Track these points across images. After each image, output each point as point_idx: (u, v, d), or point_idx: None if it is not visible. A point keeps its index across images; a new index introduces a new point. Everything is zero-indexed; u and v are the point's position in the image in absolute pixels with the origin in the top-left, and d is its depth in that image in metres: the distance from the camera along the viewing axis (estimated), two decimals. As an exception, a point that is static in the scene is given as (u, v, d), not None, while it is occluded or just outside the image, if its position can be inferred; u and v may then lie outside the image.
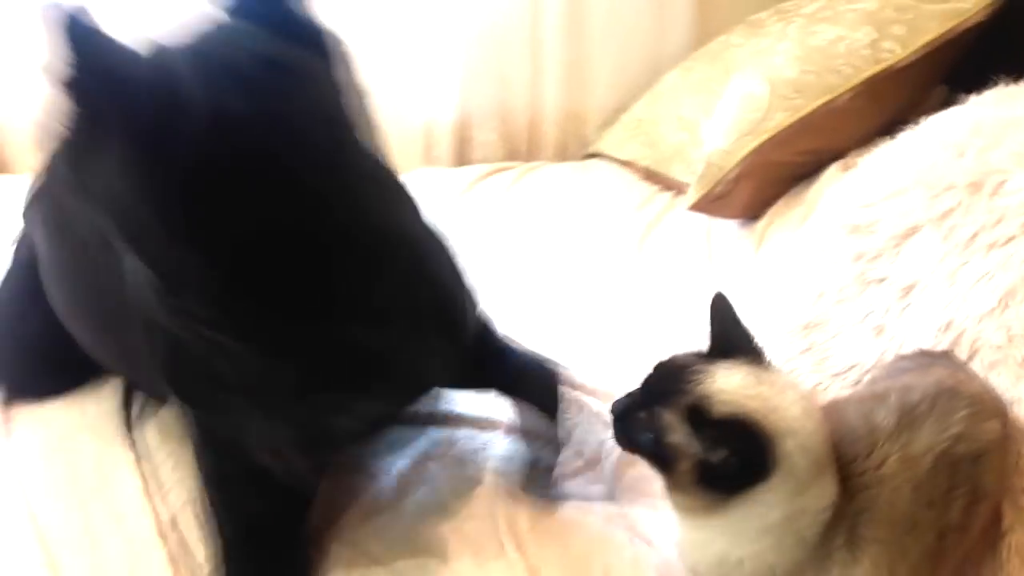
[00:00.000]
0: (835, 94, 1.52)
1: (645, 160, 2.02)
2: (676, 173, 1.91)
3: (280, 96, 0.72)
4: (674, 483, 0.72)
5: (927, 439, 0.72)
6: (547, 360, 1.18)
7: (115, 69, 0.68)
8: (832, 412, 0.78)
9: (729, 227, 1.69)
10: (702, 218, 1.74)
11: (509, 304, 1.54)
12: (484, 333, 1.15)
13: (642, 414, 0.72)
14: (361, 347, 0.79)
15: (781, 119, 1.54)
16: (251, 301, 0.72)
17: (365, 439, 1.10)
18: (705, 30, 2.12)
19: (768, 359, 0.77)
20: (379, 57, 2.17)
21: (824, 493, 0.71)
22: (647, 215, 1.84)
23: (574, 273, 1.67)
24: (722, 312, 0.77)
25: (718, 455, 0.67)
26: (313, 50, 0.80)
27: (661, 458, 0.71)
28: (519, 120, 2.23)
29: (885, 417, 0.74)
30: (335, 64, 0.81)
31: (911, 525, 0.71)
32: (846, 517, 0.71)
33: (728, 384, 0.70)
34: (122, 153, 0.68)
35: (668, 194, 1.92)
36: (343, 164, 0.77)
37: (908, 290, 1.07)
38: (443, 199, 1.95)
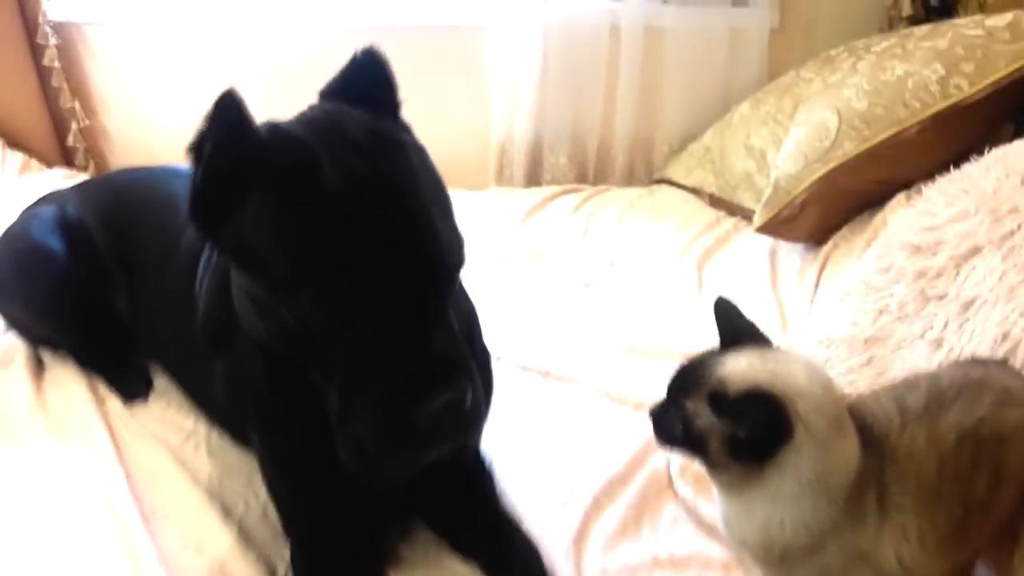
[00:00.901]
0: (903, 127, 1.57)
1: (711, 187, 2.09)
2: (742, 200, 1.97)
3: (388, 159, 0.85)
4: (712, 463, 0.80)
5: (952, 419, 0.78)
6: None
7: (254, 129, 0.83)
8: (868, 399, 0.86)
9: (794, 251, 1.74)
10: (766, 242, 1.80)
11: (568, 322, 1.63)
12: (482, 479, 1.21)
13: (671, 410, 0.81)
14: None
15: (849, 148, 1.60)
16: (362, 324, 0.82)
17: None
18: (777, 66, 2.20)
19: (773, 343, 0.84)
20: (459, 77, 2.30)
21: (847, 453, 0.77)
22: (711, 238, 1.91)
23: (634, 291, 1.74)
24: (727, 312, 0.86)
25: (742, 428, 0.75)
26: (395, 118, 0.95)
27: (694, 444, 0.79)
28: (590, 145, 2.33)
29: (915, 400, 0.80)
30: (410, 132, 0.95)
31: (938, 497, 0.77)
32: (877, 484, 0.77)
33: (738, 367, 0.78)
34: (267, 203, 0.81)
35: (733, 220, 1.98)
36: (441, 208, 0.88)
37: (967, 306, 1.11)
38: (512, 217, 2.05)
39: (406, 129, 0.94)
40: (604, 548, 1.15)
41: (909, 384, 0.85)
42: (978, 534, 0.81)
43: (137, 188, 1.48)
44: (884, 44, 1.77)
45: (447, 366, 0.84)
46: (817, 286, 1.58)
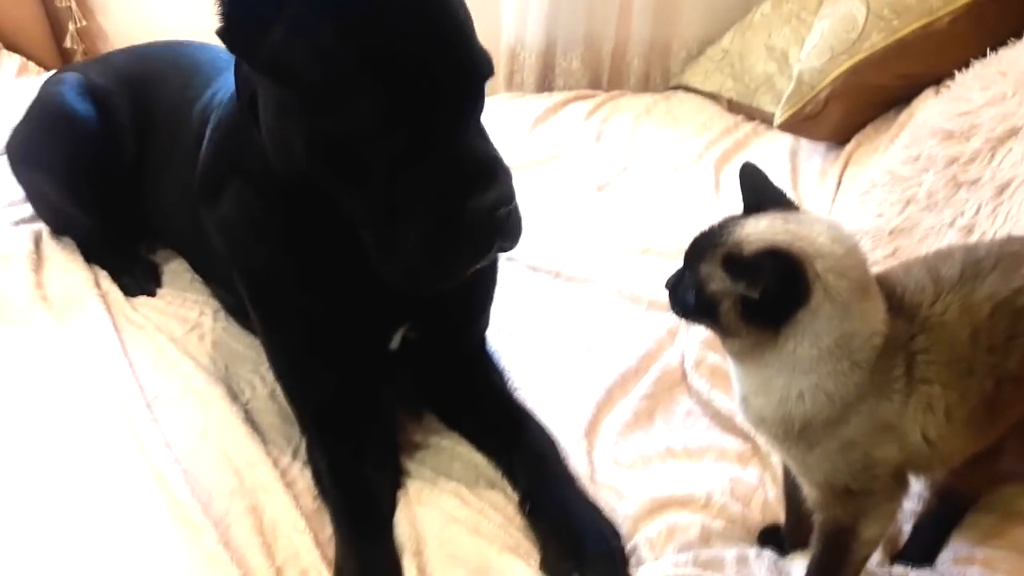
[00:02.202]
0: (935, 16, 1.49)
1: (730, 92, 2.01)
2: (762, 104, 1.90)
3: None
4: (725, 330, 0.76)
5: (988, 289, 0.74)
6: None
7: None
8: (898, 269, 0.81)
9: (816, 151, 1.68)
10: (787, 143, 1.74)
11: (580, 224, 1.58)
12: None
13: (686, 276, 0.77)
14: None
15: (877, 40, 1.52)
16: (405, 128, 0.80)
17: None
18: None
19: (801, 207, 0.80)
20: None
21: (871, 317, 0.73)
22: (729, 141, 1.84)
23: (649, 194, 1.69)
24: (752, 177, 0.81)
25: (756, 288, 0.71)
26: None
27: (706, 309, 0.75)
28: (604, 49, 2.23)
29: (949, 270, 0.76)
30: None
31: (969, 369, 0.73)
32: (906, 353, 0.73)
33: (757, 228, 0.73)
34: (304, 10, 0.79)
35: (752, 123, 1.90)
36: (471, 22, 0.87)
37: (1002, 189, 1.06)
38: (523, 122, 1.99)
39: None
40: (617, 438, 1.13)
41: (943, 255, 0.81)
42: (1007, 412, 0.77)
43: (161, 57, 1.44)
44: (917, -67, 1.67)
45: (493, 165, 0.85)
46: (839, 185, 1.53)
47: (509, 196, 0.84)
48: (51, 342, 1.25)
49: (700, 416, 1.17)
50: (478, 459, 1.10)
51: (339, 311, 1.02)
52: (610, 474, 1.08)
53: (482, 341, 1.22)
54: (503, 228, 0.85)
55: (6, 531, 0.99)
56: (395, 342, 1.07)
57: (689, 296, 0.75)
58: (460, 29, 0.84)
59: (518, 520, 1.01)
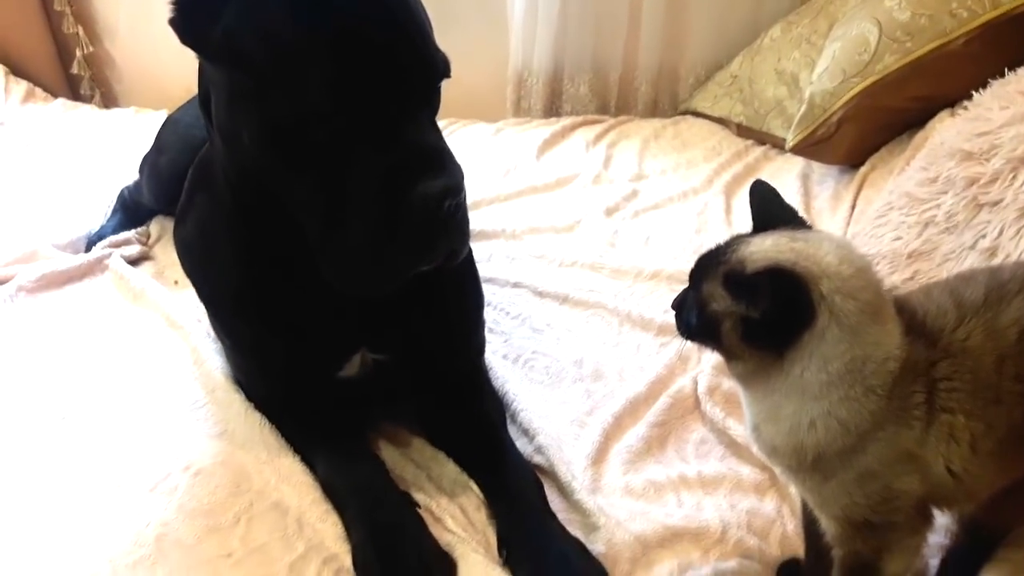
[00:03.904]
0: (949, 38, 1.47)
1: (739, 116, 1.99)
2: (772, 128, 1.87)
3: None
4: (728, 352, 0.73)
5: (1015, 313, 0.69)
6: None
7: None
8: (918, 292, 0.78)
9: (829, 174, 1.65)
10: (799, 167, 1.71)
11: (588, 249, 1.55)
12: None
13: (690, 296, 0.74)
14: None
15: (890, 62, 1.50)
16: (351, 113, 0.79)
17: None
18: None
19: (811, 226, 0.76)
20: (476, 5, 2.20)
21: (885, 341, 0.69)
22: (739, 166, 1.81)
23: (658, 218, 1.66)
24: (763, 195, 0.78)
25: (757, 307, 0.67)
26: None
27: (709, 330, 0.72)
28: (611, 75, 2.22)
29: (973, 293, 0.72)
30: None
31: (995, 397, 0.69)
32: (926, 380, 0.69)
33: (761, 246, 0.70)
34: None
35: (763, 148, 1.88)
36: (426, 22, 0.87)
37: (1026, 210, 1.02)
38: (530, 147, 1.97)
39: None
40: (626, 467, 1.09)
41: (965, 278, 0.76)
42: None
43: None
44: (929, -45, 1.65)
45: (441, 155, 0.83)
46: (853, 208, 1.50)
47: (457, 186, 0.81)
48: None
49: (715, 444, 1.13)
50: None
51: (292, 332, 1.01)
52: (619, 503, 1.03)
53: (474, 368, 1.19)
54: (449, 224, 0.82)
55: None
56: (351, 368, 1.05)
57: (692, 316, 0.72)
58: (414, 23, 0.83)
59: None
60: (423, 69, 0.83)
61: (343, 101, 0.78)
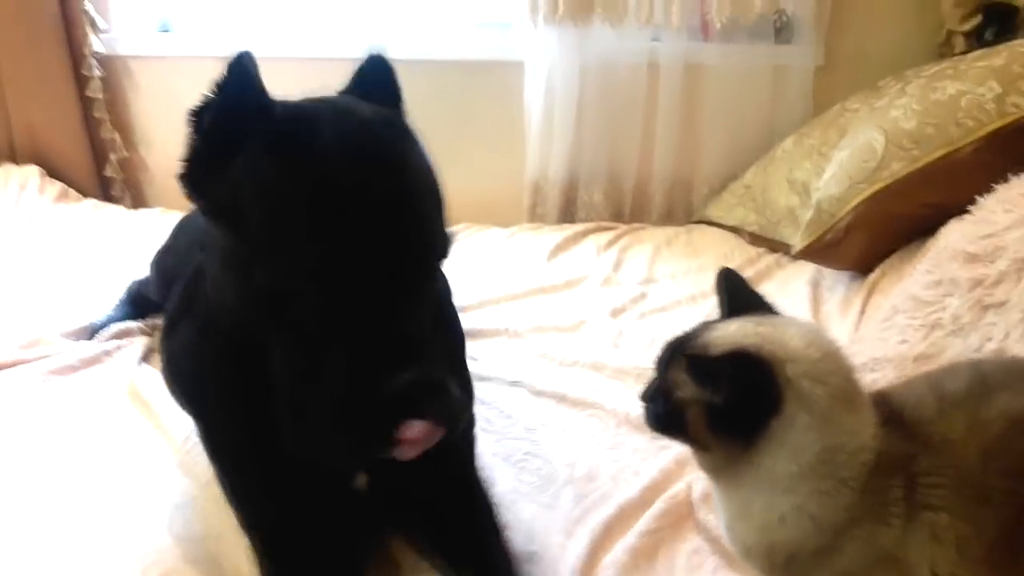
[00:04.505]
0: (956, 146, 1.46)
1: (752, 225, 1.98)
2: (785, 236, 1.86)
3: (391, 139, 0.84)
4: (696, 443, 0.69)
5: (1000, 405, 0.65)
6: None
7: (262, 89, 0.82)
8: (899, 386, 0.74)
9: (840, 281, 1.62)
10: (809, 273, 1.68)
11: (591, 349, 1.53)
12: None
13: (656, 385, 0.72)
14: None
15: (897, 169, 1.49)
16: (336, 294, 0.77)
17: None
18: (822, 106, 2.09)
19: (780, 312, 0.74)
20: (495, 112, 2.26)
21: (858, 430, 0.65)
22: (750, 272, 1.79)
23: (664, 321, 1.63)
24: (731, 282, 0.76)
25: (721, 393, 0.65)
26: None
27: (675, 419, 0.69)
28: (626, 184, 2.25)
29: (954, 385, 0.68)
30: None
31: (983, 496, 0.64)
32: (906, 475, 0.65)
33: (726, 331, 0.68)
34: (259, 156, 0.79)
35: (775, 256, 1.86)
36: (435, 197, 0.86)
37: (1032, 311, 0.98)
38: (542, 250, 1.98)
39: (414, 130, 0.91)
40: (616, 579, 1.02)
41: (948, 371, 0.74)
42: None
43: None
44: (935, 69, 1.67)
45: (420, 348, 0.79)
46: (862, 314, 1.45)
47: (429, 382, 0.77)
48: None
49: (708, 555, 1.05)
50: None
51: (278, 459, 0.94)
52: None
53: (466, 476, 1.14)
54: (427, 413, 0.77)
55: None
56: (360, 480, 1.00)
57: (659, 405, 0.69)
58: (419, 204, 0.81)
59: None
60: (416, 257, 0.81)
61: (322, 283, 0.76)
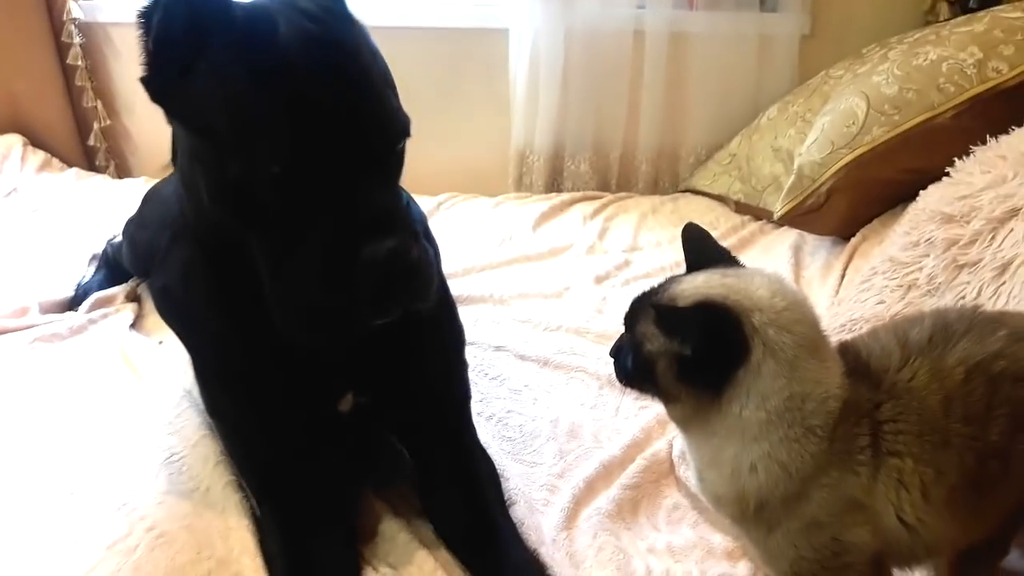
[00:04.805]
0: (937, 111, 1.47)
1: (737, 194, 1.99)
2: (769, 204, 1.86)
3: (340, 28, 0.87)
4: (666, 395, 0.71)
5: (961, 353, 0.67)
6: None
7: None
8: (864, 336, 0.75)
9: (821, 246, 1.63)
10: (791, 239, 1.70)
11: (575, 314, 1.54)
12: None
13: (625, 340, 0.73)
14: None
15: (879, 134, 1.50)
16: (307, 179, 0.80)
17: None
18: (808, 74, 2.09)
19: (743, 264, 0.75)
20: (480, 81, 2.26)
21: (824, 378, 0.66)
22: (734, 239, 1.81)
23: (644, 288, 1.63)
24: (695, 236, 0.78)
25: (689, 343, 0.66)
26: None
27: (645, 372, 0.70)
28: (612, 154, 2.25)
29: (918, 334, 0.70)
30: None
31: (943, 440, 0.65)
32: (870, 422, 0.66)
33: (693, 283, 0.70)
34: (221, 57, 0.81)
35: (760, 223, 1.87)
36: (388, 82, 0.89)
37: (1004, 269, 1.00)
38: (527, 220, 1.98)
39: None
40: (596, 532, 1.04)
41: (912, 320, 0.74)
42: (997, 494, 0.68)
43: None
44: (917, 35, 1.68)
45: (392, 217, 0.84)
46: (843, 278, 1.47)
47: (404, 248, 0.81)
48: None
49: (688, 510, 1.08)
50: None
51: (273, 373, 0.98)
52: (589, 572, 0.98)
53: (462, 423, 1.15)
54: (399, 283, 0.82)
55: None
56: (345, 404, 1.02)
57: (628, 360, 0.70)
58: (373, 86, 0.85)
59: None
60: (379, 133, 0.84)
61: (295, 167, 0.79)
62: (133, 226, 1.53)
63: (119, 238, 1.63)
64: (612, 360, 0.76)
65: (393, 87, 0.89)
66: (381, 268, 0.79)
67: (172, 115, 0.87)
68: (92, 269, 1.68)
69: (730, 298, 0.66)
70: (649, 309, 0.69)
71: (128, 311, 1.55)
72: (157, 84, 0.85)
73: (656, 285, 0.73)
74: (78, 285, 1.63)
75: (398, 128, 0.87)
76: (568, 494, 1.09)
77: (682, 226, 1.77)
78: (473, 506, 1.05)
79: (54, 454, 1.15)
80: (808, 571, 0.67)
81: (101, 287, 1.60)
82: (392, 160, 0.88)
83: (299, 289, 0.82)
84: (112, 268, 1.65)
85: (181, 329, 1.10)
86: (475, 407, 1.26)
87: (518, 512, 1.07)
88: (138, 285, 1.63)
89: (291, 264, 0.82)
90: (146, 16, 0.82)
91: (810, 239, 1.67)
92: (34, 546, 0.98)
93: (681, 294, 0.68)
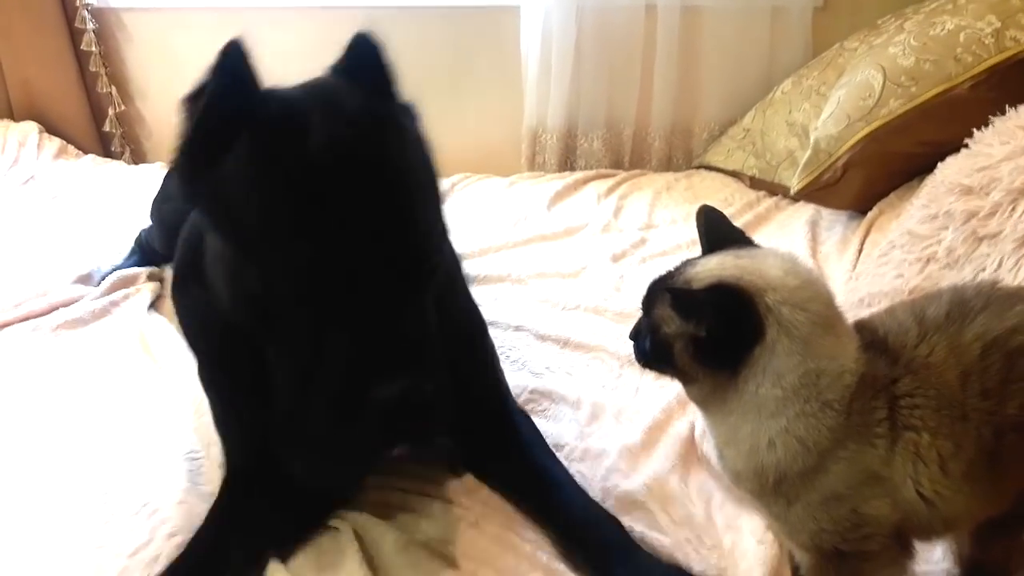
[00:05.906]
0: (954, 82, 1.46)
1: (752, 169, 1.98)
2: (784, 179, 1.86)
3: (378, 136, 0.81)
4: (684, 376, 0.71)
5: (978, 328, 0.67)
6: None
7: (253, 82, 0.81)
8: (882, 313, 0.76)
9: (838, 220, 1.63)
10: (808, 214, 1.69)
11: (593, 294, 1.55)
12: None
13: (643, 323, 0.74)
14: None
15: (895, 106, 1.49)
16: (325, 297, 0.77)
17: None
18: (821, 47, 2.07)
19: (758, 245, 0.75)
20: (492, 59, 2.25)
21: (839, 354, 0.67)
22: (750, 215, 1.80)
23: (665, 265, 1.61)
24: (710, 219, 0.78)
25: (704, 325, 0.67)
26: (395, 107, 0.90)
27: (663, 355, 0.71)
28: (625, 131, 2.25)
29: (935, 310, 0.70)
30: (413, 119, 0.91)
31: (961, 414, 0.66)
32: (888, 397, 0.67)
33: (707, 265, 0.70)
34: (248, 155, 0.78)
35: (775, 198, 1.87)
36: (426, 198, 0.85)
37: (1024, 241, 1.00)
38: (542, 199, 1.99)
39: (408, 114, 0.90)
40: (622, 515, 1.04)
41: (930, 296, 0.75)
42: (1015, 468, 0.68)
43: None
44: (933, 5, 1.66)
45: (408, 355, 0.79)
46: (860, 252, 1.47)
47: (416, 391, 0.77)
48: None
49: (715, 490, 1.08)
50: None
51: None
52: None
53: (502, 407, 1.15)
54: (410, 420, 0.78)
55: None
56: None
57: (646, 342, 0.71)
58: (405, 203, 0.80)
59: None
60: (406, 256, 0.80)
61: (319, 286, 0.76)
62: (158, 202, 1.55)
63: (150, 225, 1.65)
64: (631, 342, 0.76)
65: (434, 200, 0.86)
66: (389, 407, 0.76)
67: (199, 207, 0.85)
68: (127, 253, 1.71)
69: (743, 279, 0.67)
70: (665, 293, 0.70)
71: (147, 291, 1.57)
72: (186, 173, 0.82)
73: (671, 268, 0.74)
74: (112, 269, 1.64)
75: (427, 252, 0.83)
76: (595, 473, 1.10)
77: (697, 204, 1.79)
78: (531, 466, 1.07)
79: (75, 451, 1.16)
80: (829, 543, 0.68)
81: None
82: (421, 281, 0.83)
83: (303, 419, 0.80)
84: (146, 252, 1.67)
85: (196, 357, 1.09)
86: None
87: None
88: (161, 273, 1.65)
89: (302, 386, 0.80)
90: (191, 100, 0.80)
91: (826, 214, 1.67)
92: (52, 549, 0.99)
93: (695, 277, 0.69)
